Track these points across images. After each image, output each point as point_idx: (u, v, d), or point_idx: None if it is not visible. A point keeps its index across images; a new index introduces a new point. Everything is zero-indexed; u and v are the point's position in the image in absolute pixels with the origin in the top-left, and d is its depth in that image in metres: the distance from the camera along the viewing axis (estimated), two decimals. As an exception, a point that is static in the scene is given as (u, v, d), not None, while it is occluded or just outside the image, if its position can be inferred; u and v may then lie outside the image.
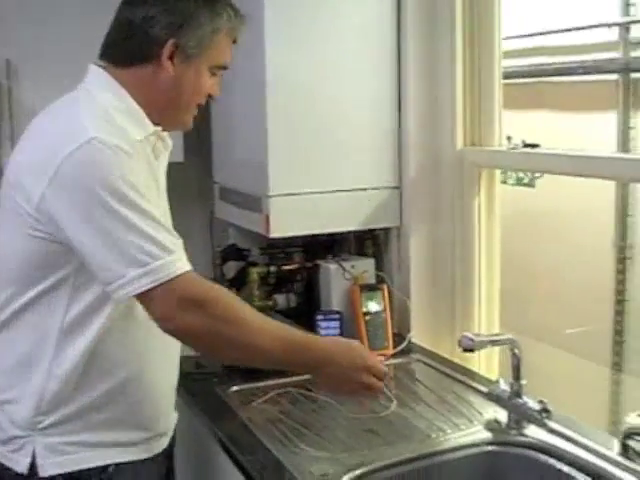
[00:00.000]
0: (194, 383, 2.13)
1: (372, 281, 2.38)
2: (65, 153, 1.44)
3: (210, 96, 1.69)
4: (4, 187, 1.57)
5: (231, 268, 2.65)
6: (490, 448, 1.70)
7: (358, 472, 1.60)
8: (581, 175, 2.00)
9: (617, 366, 3.15)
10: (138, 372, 1.62)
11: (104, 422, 1.59)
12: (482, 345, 1.60)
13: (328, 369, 1.57)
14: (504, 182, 3.11)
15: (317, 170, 2.31)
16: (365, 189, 2.37)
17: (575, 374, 2.74)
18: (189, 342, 1.56)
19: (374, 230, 2.47)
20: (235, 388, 2.08)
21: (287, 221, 2.29)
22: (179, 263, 1.46)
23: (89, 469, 1.57)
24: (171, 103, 1.63)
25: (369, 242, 2.48)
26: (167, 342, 1.55)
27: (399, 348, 2.29)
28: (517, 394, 1.74)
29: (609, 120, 3.34)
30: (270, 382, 2.10)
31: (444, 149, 2.35)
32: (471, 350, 1.59)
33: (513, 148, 2.16)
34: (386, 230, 2.47)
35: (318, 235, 2.43)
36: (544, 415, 1.68)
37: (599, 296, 3.25)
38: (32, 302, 1.54)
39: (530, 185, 3.59)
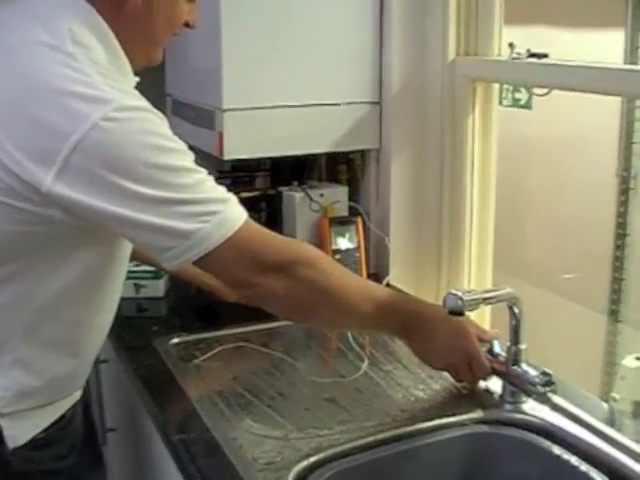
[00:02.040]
0: (131, 331, 1.80)
1: (345, 213, 2.02)
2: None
3: (187, 25, 1.39)
4: None
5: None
6: (480, 428, 1.37)
7: (313, 459, 1.27)
8: (600, 92, 1.63)
9: (615, 314, 2.85)
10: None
11: None
12: (473, 305, 1.25)
13: (420, 336, 1.42)
14: (499, 103, 2.72)
15: (281, 81, 1.93)
16: (339, 104, 1.99)
17: (571, 323, 2.41)
18: (272, 309, 1.39)
19: (349, 153, 2.10)
20: (176, 340, 1.74)
21: (244, 140, 1.92)
22: (236, 211, 1.28)
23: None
24: (142, 35, 1.34)
25: (343, 167, 2.12)
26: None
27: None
28: (515, 361, 1.41)
29: (615, 39, 2.96)
30: (219, 332, 1.78)
31: (433, 59, 1.97)
32: (459, 313, 1.25)
33: (516, 58, 1.79)
34: (363, 153, 2.11)
35: (287, 157, 2.07)
36: (547, 389, 1.35)
37: (600, 233, 2.92)
38: None
39: (527, 107, 3.21)
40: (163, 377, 1.60)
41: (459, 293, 1.24)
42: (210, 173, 2.10)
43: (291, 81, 1.94)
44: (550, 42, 2.53)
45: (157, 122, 1.24)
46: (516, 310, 1.38)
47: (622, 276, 3.01)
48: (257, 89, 1.91)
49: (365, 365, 1.61)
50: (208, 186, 1.28)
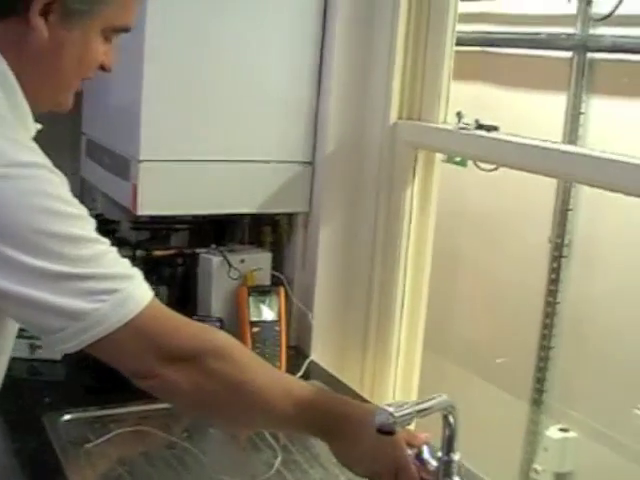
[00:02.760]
0: (19, 400, 1.59)
1: (266, 281, 1.85)
2: None
3: (103, 68, 1.20)
4: None
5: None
6: None
7: None
8: (552, 175, 1.50)
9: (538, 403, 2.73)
10: None
11: None
12: (406, 420, 1.09)
13: (344, 440, 1.23)
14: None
15: (206, 131, 1.76)
16: (268, 161, 1.83)
17: (496, 408, 2.27)
18: (176, 404, 1.24)
19: (275, 215, 1.94)
20: (68, 417, 1.54)
21: (161, 195, 1.74)
22: (140, 290, 1.10)
23: None
24: (48, 77, 1.16)
25: (267, 229, 1.95)
26: None
27: (297, 373, 1.77)
28: (447, 473, 1.25)
29: (557, 102, 2.88)
30: (117, 410, 1.58)
31: (373, 119, 1.83)
32: (390, 432, 1.08)
33: (464, 128, 1.65)
34: (290, 216, 1.94)
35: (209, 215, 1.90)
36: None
37: (532, 305, 2.80)
38: None
39: (462, 164, 3.08)
40: (47, 465, 1.39)
41: (390, 409, 1.07)
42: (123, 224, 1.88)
43: (216, 132, 1.77)
44: (491, 100, 2.41)
45: (55, 182, 1.06)
46: (451, 420, 1.22)
47: (550, 344, 2.89)
48: (178, 139, 1.74)
49: (278, 462, 1.43)
50: (109, 259, 1.11)
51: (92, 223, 1.11)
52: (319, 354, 1.88)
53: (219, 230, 1.98)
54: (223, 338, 1.21)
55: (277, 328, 1.78)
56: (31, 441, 1.45)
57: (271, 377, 1.23)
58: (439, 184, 1.83)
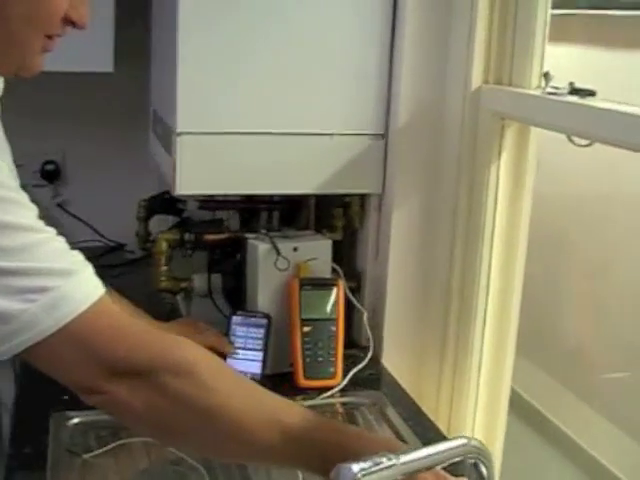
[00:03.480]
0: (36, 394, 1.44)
1: (327, 274, 1.60)
2: None
3: (73, 24, 1.01)
4: None
5: (160, 225, 1.91)
6: None
7: None
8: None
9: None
10: None
11: None
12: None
13: None
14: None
15: (257, 100, 1.52)
16: (331, 134, 1.57)
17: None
18: (129, 425, 1.07)
19: (345, 197, 1.68)
20: (77, 420, 1.37)
21: (203, 173, 1.53)
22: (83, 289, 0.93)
23: None
24: None
25: (339, 212, 1.69)
26: None
27: (345, 380, 1.53)
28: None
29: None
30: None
31: (454, 85, 1.53)
32: None
33: (552, 93, 1.33)
34: (363, 197, 1.68)
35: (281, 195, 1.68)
36: None
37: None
38: None
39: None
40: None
41: (356, 467, 0.79)
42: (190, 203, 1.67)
43: (271, 102, 1.53)
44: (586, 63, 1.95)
45: None
46: (483, 469, 0.95)
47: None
48: (225, 109, 1.51)
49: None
50: (46, 251, 0.94)
51: (32, 210, 0.95)
52: (389, 359, 1.62)
53: (290, 214, 1.75)
54: (189, 352, 0.99)
55: (333, 328, 1.53)
56: (27, 446, 1.30)
57: (252, 401, 1.01)
58: (536, 162, 1.52)
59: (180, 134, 1.50)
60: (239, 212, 1.69)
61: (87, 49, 1.85)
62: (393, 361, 1.64)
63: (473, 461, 0.94)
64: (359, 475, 0.78)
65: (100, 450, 1.30)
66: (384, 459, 0.81)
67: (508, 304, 1.56)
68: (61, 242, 0.96)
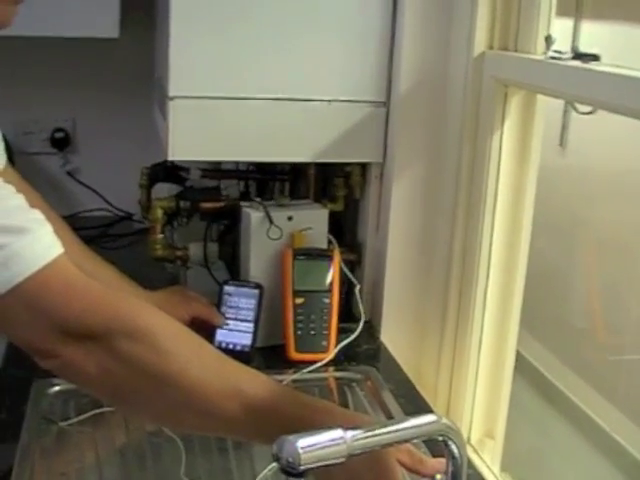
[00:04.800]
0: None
1: (323, 245, 1.55)
2: None
3: None
4: None
5: (162, 194, 1.87)
6: None
7: None
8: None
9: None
10: None
11: None
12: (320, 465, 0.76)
13: None
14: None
15: (254, 66, 1.48)
16: (329, 100, 1.52)
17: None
18: (85, 388, 1.04)
19: (345, 166, 1.63)
20: (58, 388, 1.34)
21: (196, 138, 1.48)
22: (36, 248, 0.89)
23: None
24: None
25: (340, 182, 1.64)
26: None
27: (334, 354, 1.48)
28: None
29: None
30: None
31: (457, 50, 1.47)
32: (298, 475, 0.76)
33: (556, 57, 1.26)
34: (364, 167, 1.63)
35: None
36: None
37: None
38: None
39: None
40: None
41: (298, 443, 0.74)
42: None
43: (267, 65, 1.48)
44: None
45: None
46: (454, 448, 0.89)
47: None
48: (219, 73, 1.47)
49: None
50: (1, 208, 0.89)
51: None
52: (389, 334, 1.57)
53: (294, 186, 1.71)
54: (147, 317, 0.95)
55: (327, 300, 1.48)
56: (3, 411, 1.27)
57: (212, 370, 0.96)
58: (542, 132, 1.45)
59: (173, 98, 1.46)
60: (243, 182, 1.64)
61: (92, 14, 1.83)
62: (392, 336, 1.59)
63: (442, 439, 0.89)
64: (300, 451, 0.73)
65: (77, 419, 1.27)
66: (335, 434, 0.76)
67: (512, 278, 1.49)
68: (19, 199, 0.93)
